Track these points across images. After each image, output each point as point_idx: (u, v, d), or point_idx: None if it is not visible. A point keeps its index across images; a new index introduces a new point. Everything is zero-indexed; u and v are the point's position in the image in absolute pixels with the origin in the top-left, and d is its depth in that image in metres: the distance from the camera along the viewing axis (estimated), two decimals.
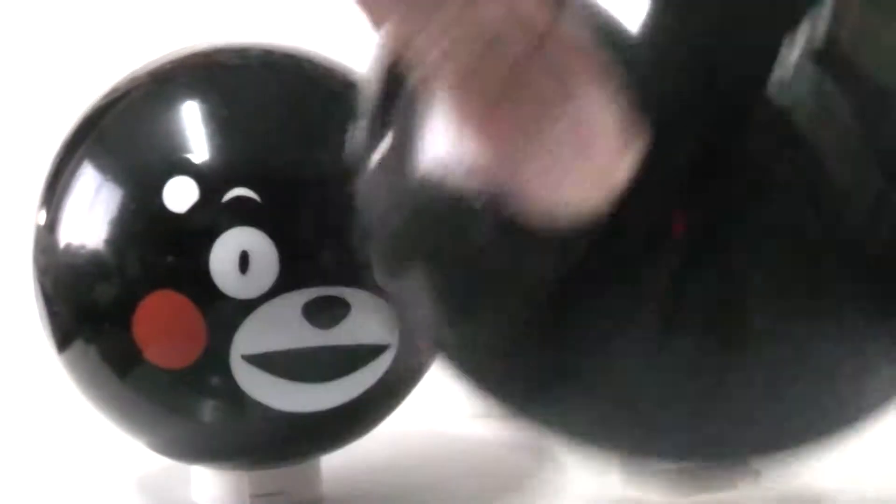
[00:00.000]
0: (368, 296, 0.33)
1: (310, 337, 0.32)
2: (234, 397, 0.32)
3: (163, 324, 0.32)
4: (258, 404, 0.33)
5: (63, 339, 0.34)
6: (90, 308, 0.33)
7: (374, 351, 0.34)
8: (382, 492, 0.40)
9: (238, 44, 0.36)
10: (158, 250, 0.32)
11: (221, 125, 0.33)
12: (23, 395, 0.56)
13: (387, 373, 0.34)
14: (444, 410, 0.50)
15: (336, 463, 0.39)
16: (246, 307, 0.31)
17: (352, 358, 0.33)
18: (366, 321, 0.33)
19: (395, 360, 0.34)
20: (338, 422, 0.35)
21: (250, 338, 0.32)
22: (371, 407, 0.36)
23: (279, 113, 0.34)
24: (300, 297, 0.32)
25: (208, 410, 0.33)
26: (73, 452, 0.46)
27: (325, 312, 0.32)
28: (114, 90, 0.35)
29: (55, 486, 0.42)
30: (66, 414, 0.46)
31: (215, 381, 0.32)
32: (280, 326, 0.32)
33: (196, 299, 0.31)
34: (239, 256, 0.31)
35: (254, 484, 0.36)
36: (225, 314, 0.31)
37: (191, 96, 0.34)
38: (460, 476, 0.42)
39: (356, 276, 0.33)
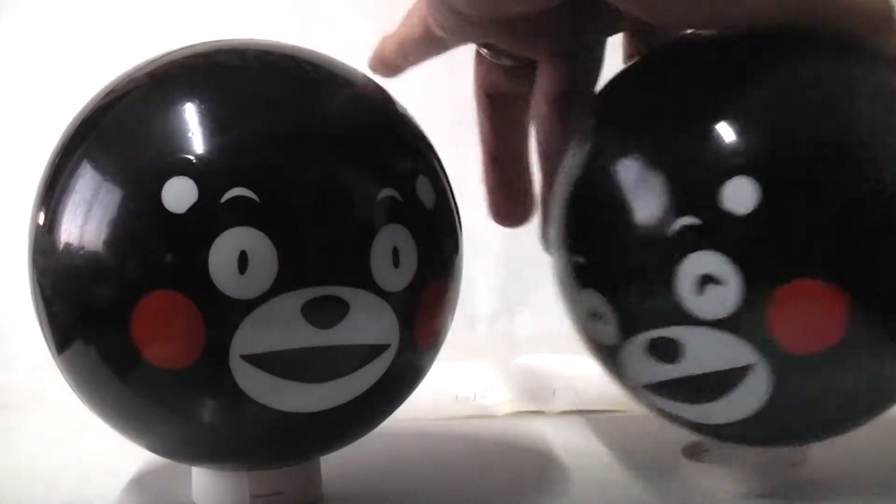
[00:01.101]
0: (368, 295, 0.33)
1: (309, 337, 0.32)
2: (234, 397, 0.32)
3: (162, 324, 0.32)
4: (258, 404, 0.33)
5: (62, 341, 0.34)
6: (89, 309, 0.33)
7: (374, 351, 0.34)
8: (382, 492, 0.40)
9: (237, 44, 0.36)
10: (157, 250, 0.31)
11: (220, 125, 0.33)
12: (23, 395, 0.56)
13: (387, 373, 0.34)
14: (444, 410, 0.50)
15: (336, 463, 0.39)
16: (245, 307, 0.31)
17: (352, 358, 0.33)
18: (365, 321, 0.33)
19: (395, 360, 0.34)
20: (338, 422, 0.35)
21: (249, 337, 0.32)
22: (371, 407, 0.36)
23: (278, 113, 0.33)
24: (299, 297, 0.32)
25: (208, 410, 0.33)
26: (73, 452, 0.46)
27: (324, 312, 0.32)
28: (112, 90, 0.35)
29: (56, 485, 0.42)
30: (67, 413, 0.46)
31: (215, 381, 0.32)
32: (279, 326, 0.32)
33: (195, 299, 0.31)
34: (238, 256, 0.31)
35: (254, 484, 0.36)
36: (224, 314, 0.31)
37: (189, 96, 0.33)
38: (460, 476, 0.42)
39: (356, 275, 0.33)
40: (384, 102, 0.37)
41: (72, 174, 0.33)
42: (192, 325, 0.31)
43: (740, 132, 0.33)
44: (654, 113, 0.35)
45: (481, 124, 0.44)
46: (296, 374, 0.32)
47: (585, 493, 0.39)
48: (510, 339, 0.73)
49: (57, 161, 0.35)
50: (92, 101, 0.35)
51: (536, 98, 0.42)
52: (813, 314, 0.32)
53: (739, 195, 0.32)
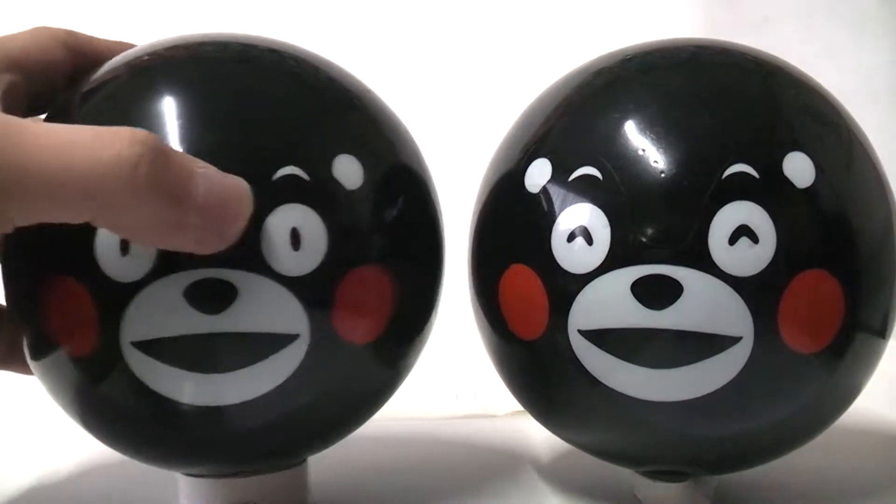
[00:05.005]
0: (260, 279, 0.30)
1: (196, 323, 0.30)
2: (133, 388, 0.31)
3: (65, 311, 0.31)
4: (159, 396, 0.31)
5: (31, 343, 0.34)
6: (25, 303, 0.33)
7: (279, 340, 0.31)
8: (379, 492, 0.39)
9: (219, 37, 0.35)
10: (56, 235, 0.30)
11: (198, 119, 0.32)
12: (20, 395, 0.56)
13: (303, 366, 0.31)
14: (444, 410, 0.50)
15: (332, 462, 0.38)
16: (128, 290, 0.30)
17: (250, 347, 0.31)
18: (260, 307, 0.30)
19: (313, 353, 0.31)
20: (260, 419, 0.32)
21: (136, 323, 0.30)
22: (301, 402, 0.33)
23: (257, 108, 0.32)
24: (181, 280, 0.30)
25: (110, 401, 0.32)
26: (69, 453, 0.46)
27: (209, 296, 0.30)
28: (90, 80, 0.34)
29: (54, 486, 0.42)
30: (64, 414, 0.46)
31: (111, 369, 0.31)
32: (162, 311, 0.30)
33: (85, 283, 0.30)
34: (119, 239, 0.30)
35: (238, 491, 0.35)
36: (110, 298, 0.30)
37: (168, 89, 0.32)
38: (459, 476, 0.41)
39: (243, 257, 0.30)
40: (351, 90, 0.35)
41: None
42: (86, 311, 0.30)
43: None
44: None
45: None
46: (190, 364, 0.31)
47: (585, 493, 0.38)
48: None
49: None
50: (70, 89, 0.35)
51: None
52: (820, 310, 0.31)
53: (799, 168, 0.32)
